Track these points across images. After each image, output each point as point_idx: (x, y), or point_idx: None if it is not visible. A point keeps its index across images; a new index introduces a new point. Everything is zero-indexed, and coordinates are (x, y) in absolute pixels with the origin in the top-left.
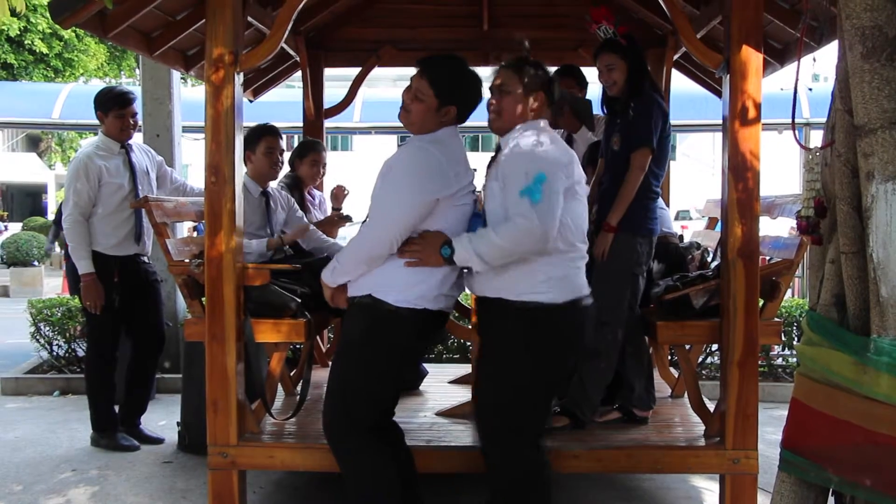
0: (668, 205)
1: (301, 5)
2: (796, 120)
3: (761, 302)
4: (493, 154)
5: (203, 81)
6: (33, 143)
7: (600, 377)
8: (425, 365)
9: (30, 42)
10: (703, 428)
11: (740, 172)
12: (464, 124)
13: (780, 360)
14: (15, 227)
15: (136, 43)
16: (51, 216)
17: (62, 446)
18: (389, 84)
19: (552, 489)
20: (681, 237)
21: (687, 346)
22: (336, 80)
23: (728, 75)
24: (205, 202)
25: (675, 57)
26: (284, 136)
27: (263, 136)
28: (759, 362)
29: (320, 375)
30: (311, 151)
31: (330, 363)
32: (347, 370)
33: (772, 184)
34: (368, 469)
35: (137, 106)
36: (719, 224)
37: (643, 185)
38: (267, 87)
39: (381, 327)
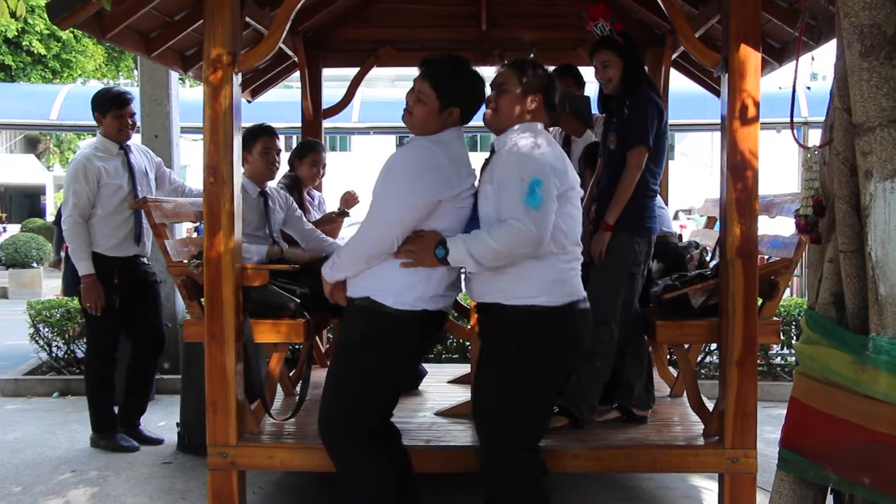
0: (666, 204)
1: (299, 5)
2: (795, 119)
3: (760, 301)
4: (488, 156)
5: (201, 82)
6: (31, 145)
7: (598, 377)
8: (424, 365)
9: (28, 43)
10: (702, 427)
11: (739, 171)
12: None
13: (779, 359)
14: (14, 229)
15: (135, 44)
16: (49, 217)
17: (61, 447)
18: (388, 84)
19: (549, 492)
20: (679, 236)
21: (686, 346)
22: (334, 81)
23: (726, 74)
24: (203, 203)
25: (674, 56)
26: (283, 137)
27: (259, 137)
28: (758, 361)
29: (320, 376)
30: (310, 152)
31: (329, 364)
32: (345, 373)
33: (770, 183)
34: (365, 471)
35: (135, 106)
36: (718, 223)
37: (641, 184)
38: (265, 88)
39: (379, 331)
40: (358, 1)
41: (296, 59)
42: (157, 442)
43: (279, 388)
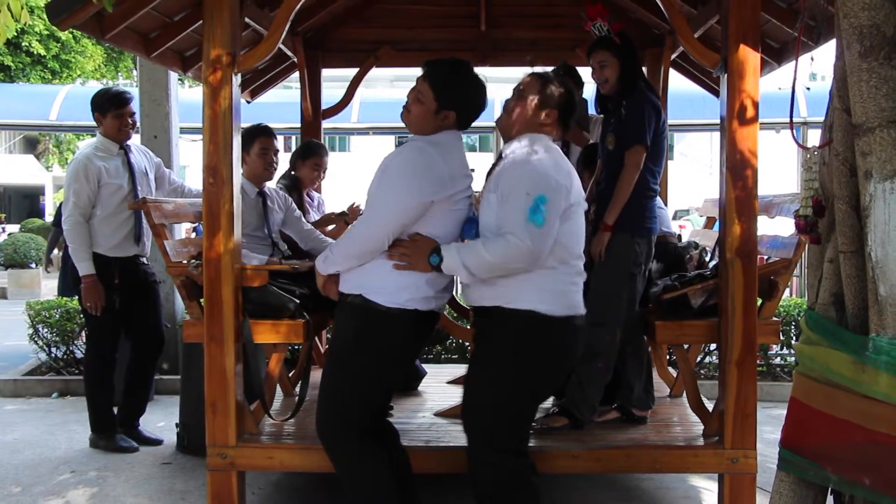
0: (665, 204)
1: (299, 6)
2: (794, 119)
3: (759, 301)
4: (494, 162)
5: (200, 82)
6: (31, 145)
7: (598, 377)
8: (424, 365)
9: (27, 44)
10: (702, 427)
11: (738, 172)
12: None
13: (779, 359)
14: (13, 229)
15: (134, 44)
16: (49, 218)
17: (61, 448)
18: (387, 85)
19: (539, 493)
20: (679, 237)
21: (685, 346)
22: (334, 81)
23: (726, 75)
24: (203, 203)
25: (673, 56)
26: (282, 138)
27: (257, 137)
28: (758, 362)
29: (319, 376)
30: (314, 155)
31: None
32: (339, 373)
33: (769, 183)
34: (363, 471)
35: (135, 106)
36: (717, 223)
37: (641, 184)
38: (265, 88)
39: (371, 329)
40: (357, 1)
41: (295, 59)
42: (157, 442)
43: (279, 388)
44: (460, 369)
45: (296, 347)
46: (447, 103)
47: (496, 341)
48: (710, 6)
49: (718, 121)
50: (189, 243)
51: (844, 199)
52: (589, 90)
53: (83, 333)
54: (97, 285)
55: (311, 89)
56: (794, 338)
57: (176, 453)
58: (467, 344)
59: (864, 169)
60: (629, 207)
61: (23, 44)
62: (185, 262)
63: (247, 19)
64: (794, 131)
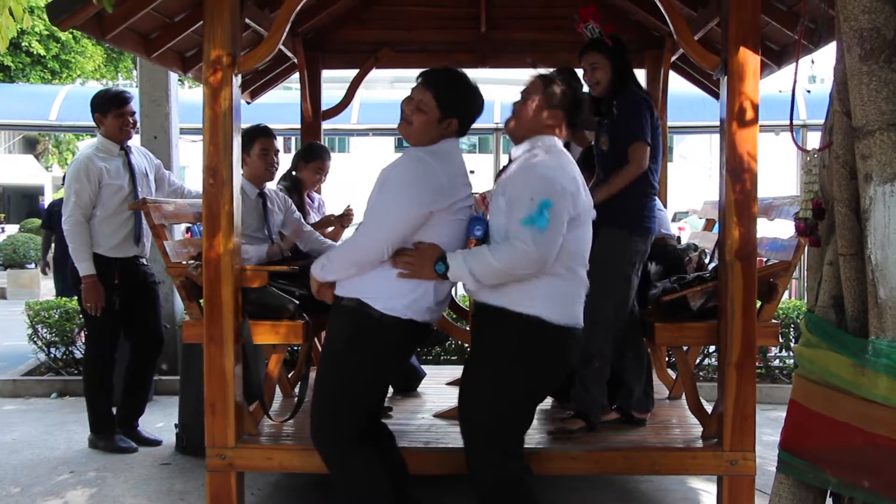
0: (665, 206)
1: (299, 7)
2: (794, 121)
3: (759, 303)
4: (505, 164)
5: (201, 83)
6: (30, 145)
7: (600, 377)
8: (423, 367)
9: (27, 44)
10: (701, 429)
11: (738, 174)
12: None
13: (778, 361)
14: (12, 230)
15: (134, 45)
16: None
17: (60, 448)
18: (387, 86)
19: (535, 492)
20: (678, 238)
21: (685, 348)
22: (334, 82)
23: (725, 77)
24: (203, 204)
25: (673, 59)
26: (282, 139)
27: (257, 138)
28: (757, 364)
29: None
30: (317, 158)
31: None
32: (332, 376)
33: (769, 186)
34: (358, 472)
35: (135, 105)
36: (717, 225)
37: (640, 182)
38: (265, 89)
39: (365, 334)
40: (357, 3)
41: (295, 60)
42: (156, 443)
43: (278, 389)
44: (459, 371)
45: (295, 348)
46: (451, 111)
47: (496, 343)
48: (711, 8)
49: (718, 123)
50: (188, 244)
51: (844, 201)
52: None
53: (82, 334)
54: (97, 286)
55: (311, 90)
56: (793, 340)
57: (175, 454)
58: (466, 345)
59: (865, 172)
60: (628, 205)
61: (23, 44)
62: (184, 262)
63: (247, 20)
64: (794, 134)
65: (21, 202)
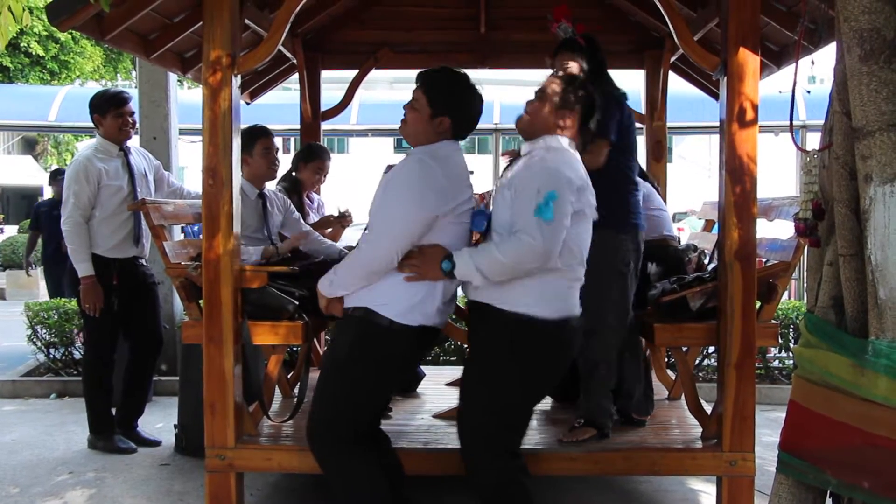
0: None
1: (298, 8)
2: (793, 122)
3: (758, 304)
4: (511, 159)
5: (200, 84)
6: (29, 146)
7: (605, 384)
8: (422, 367)
9: (26, 44)
10: (700, 430)
11: (737, 175)
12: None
13: (777, 362)
14: (11, 230)
15: (134, 45)
16: None
17: (59, 449)
18: (386, 86)
19: (532, 496)
20: (678, 239)
21: (684, 348)
22: (333, 83)
23: (725, 77)
24: (202, 205)
25: (673, 59)
26: (281, 139)
27: (259, 138)
28: (756, 364)
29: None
30: (317, 158)
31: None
32: (335, 381)
33: (769, 186)
34: (356, 475)
35: (134, 106)
36: (716, 226)
37: (621, 179)
38: (264, 90)
39: (372, 342)
40: (357, 3)
41: (295, 61)
42: (155, 444)
43: (277, 390)
44: (459, 371)
45: (294, 349)
46: (440, 108)
47: (489, 342)
48: (710, 9)
49: (717, 123)
50: (188, 244)
51: (844, 202)
52: None
53: (81, 334)
54: (96, 286)
55: (311, 91)
56: (792, 340)
57: (174, 454)
58: (466, 346)
59: (864, 172)
60: (610, 203)
61: (22, 45)
62: (184, 263)
63: (247, 21)
64: (794, 134)
65: (20, 203)
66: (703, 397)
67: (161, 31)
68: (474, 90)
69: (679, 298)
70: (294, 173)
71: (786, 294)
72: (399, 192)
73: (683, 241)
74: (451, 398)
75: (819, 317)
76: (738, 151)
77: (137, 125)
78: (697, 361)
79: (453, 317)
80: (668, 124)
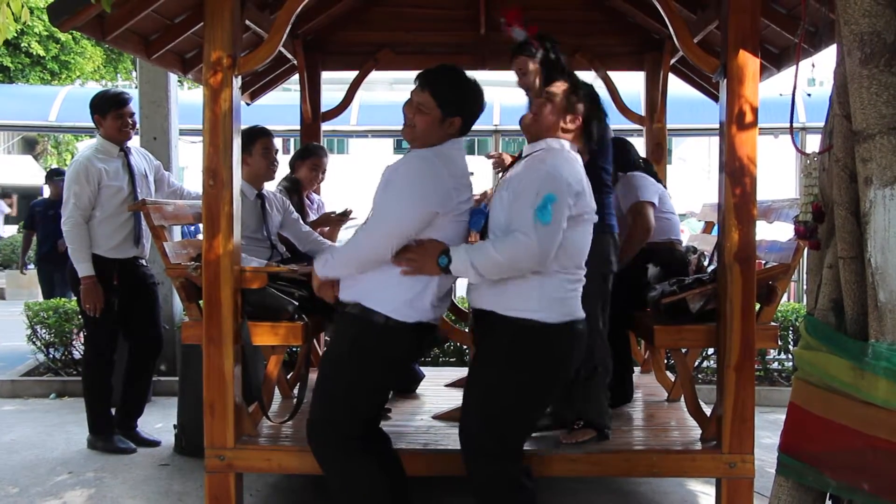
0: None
1: (299, 9)
2: (793, 124)
3: (758, 306)
4: (512, 161)
5: (201, 84)
6: (29, 146)
7: (602, 385)
8: (422, 368)
9: (26, 45)
10: (700, 432)
11: (737, 177)
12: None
13: (776, 364)
14: (11, 230)
15: (134, 46)
16: None
17: (58, 449)
18: (386, 87)
19: (535, 499)
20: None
21: (684, 350)
22: (333, 84)
23: (725, 80)
24: (202, 205)
25: (672, 61)
26: (281, 140)
27: (259, 138)
28: (756, 366)
29: None
30: (312, 155)
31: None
32: (334, 380)
33: (768, 188)
34: (356, 476)
35: (134, 106)
36: (716, 228)
37: (593, 180)
38: (264, 91)
39: (369, 340)
40: (357, 4)
41: (295, 62)
42: (155, 444)
43: (277, 390)
44: (458, 372)
45: (294, 349)
46: (452, 109)
47: (493, 348)
48: (710, 11)
49: (717, 125)
50: (188, 245)
51: (844, 204)
52: None
53: (81, 334)
54: (96, 287)
55: (311, 92)
56: (791, 342)
57: (174, 455)
58: (465, 347)
59: (865, 175)
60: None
61: (22, 45)
62: (184, 263)
63: (247, 22)
64: (794, 137)
65: (20, 203)
66: (702, 399)
67: (162, 32)
68: (476, 84)
69: (679, 300)
70: (293, 174)
71: (785, 296)
72: (401, 186)
73: (683, 243)
74: (451, 399)
75: (819, 319)
76: (737, 153)
77: (138, 125)
78: (697, 363)
79: (453, 318)
80: (668, 126)
